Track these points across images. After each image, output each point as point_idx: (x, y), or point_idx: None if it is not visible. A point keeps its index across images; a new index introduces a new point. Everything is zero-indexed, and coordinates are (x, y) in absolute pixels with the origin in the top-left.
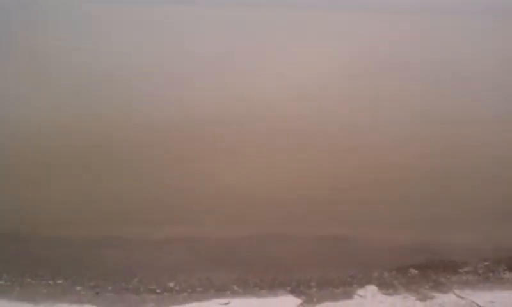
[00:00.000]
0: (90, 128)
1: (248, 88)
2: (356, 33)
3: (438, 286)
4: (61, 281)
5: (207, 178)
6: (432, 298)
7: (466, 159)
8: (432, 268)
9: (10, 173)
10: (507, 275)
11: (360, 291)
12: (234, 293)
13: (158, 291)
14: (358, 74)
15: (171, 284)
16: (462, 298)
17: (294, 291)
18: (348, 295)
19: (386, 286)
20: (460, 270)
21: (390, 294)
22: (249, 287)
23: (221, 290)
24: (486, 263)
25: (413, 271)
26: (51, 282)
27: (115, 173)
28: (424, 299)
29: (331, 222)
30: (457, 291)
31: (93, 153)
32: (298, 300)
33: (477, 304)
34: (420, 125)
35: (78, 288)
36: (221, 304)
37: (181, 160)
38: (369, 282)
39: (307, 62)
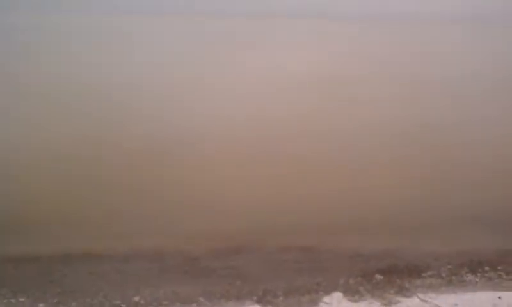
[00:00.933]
0: (58, 142)
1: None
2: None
3: (403, 291)
4: (23, 299)
5: (171, 190)
6: (397, 303)
7: (427, 166)
8: (397, 273)
9: None
10: (470, 277)
11: (326, 299)
12: (200, 305)
13: (123, 306)
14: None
15: (137, 299)
16: (426, 301)
17: (261, 301)
18: (314, 303)
19: (351, 293)
20: (424, 274)
21: (355, 300)
22: (215, 298)
23: (187, 303)
24: (448, 267)
25: (378, 277)
26: (13, 300)
27: (79, 187)
28: (388, 304)
29: (296, 231)
30: (421, 295)
31: (58, 167)
32: None
33: None
34: (384, 133)
35: (41, 305)
36: None
37: (145, 174)
38: (335, 289)
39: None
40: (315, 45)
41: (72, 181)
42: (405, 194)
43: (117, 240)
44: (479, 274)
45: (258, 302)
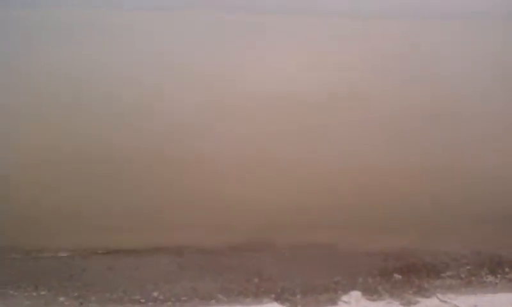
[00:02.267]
0: (76, 140)
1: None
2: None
3: (422, 291)
4: (44, 292)
5: (190, 186)
6: (416, 303)
7: (448, 161)
8: (416, 273)
9: None
10: (490, 278)
11: (345, 298)
12: (219, 302)
13: (142, 301)
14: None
15: (155, 294)
16: (445, 302)
17: (279, 299)
18: (333, 302)
19: (370, 292)
20: (443, 275)
21: (374, 300)
22: (233, 295)
23: (205, 299)
24: (468, 267)
25: (397, 276)
26: (34, 293)
27: (99, 182)
28: (407, 304)
29: (315, 228)
30: (440, 296)
31: (79, 164)
32: None
33: None
34: (401, 127)
35: (61, 298)
36: None
37: (164, 169)
38: (353, 288)
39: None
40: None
41: (89, 176)
42: (424, 192)
43: (136, 234)
44: (499, 275)
45: (276, 299)
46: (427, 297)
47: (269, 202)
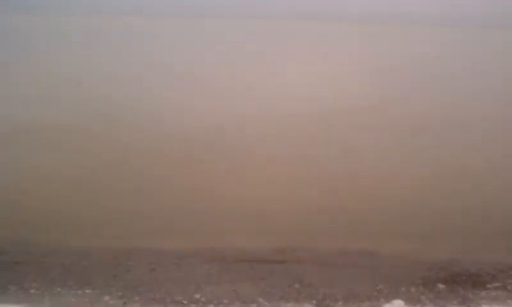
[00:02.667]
0: (108, 143)
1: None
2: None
3: (466, 302)
4: (89, 291)
5: (232, 191)
6: None
7: (491, 172)
8: (460, 283)
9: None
10: None
11: (387, 306)
12: (260, 306)
13: (184, 302)
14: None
15: (197, 296)
16: None
17: (320, 305)
18: None
19: (413, 302)
20: (489, 286)
21: None
22: (274, 300)
23: (246, 302)
24: None
25: (441, 286)
26: (80, 292)
27: (143, 185)
28: None
29: (357, 235)
30: None
31: (119, 166)
32: None
33: None
34: (433, 132)
35: (106, 298)
36: None
37: (209, 173)
38: (396, 297)
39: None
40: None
41: (134, 180)
42: (469, 201)
43: (179, 236)
44: None
45: (317, 305)
46: None
47: (311, 207)
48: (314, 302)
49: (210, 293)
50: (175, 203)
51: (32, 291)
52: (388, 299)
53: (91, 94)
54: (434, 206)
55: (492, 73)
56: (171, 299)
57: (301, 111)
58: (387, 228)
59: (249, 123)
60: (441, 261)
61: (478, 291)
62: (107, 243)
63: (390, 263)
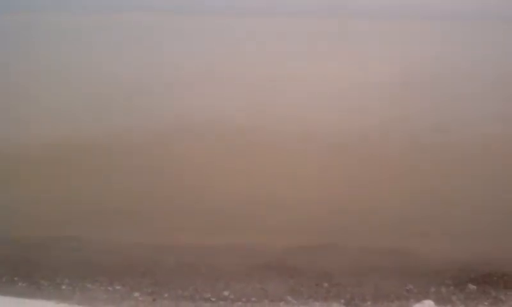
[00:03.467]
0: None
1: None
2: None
3: (498, 303)
4: (119, 287)
5: (260, 189)
6: None
7: None
8: (492, 284)
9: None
10: None
11: (417, 306)
12: (288, 304)
13: (213, 299)
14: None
15: (226, 293)
16: None
17: (349, 304)
18: None
19: (443, 302)
20: None
21: None
22: (303, 298)
23: (275, 301)
24: None
25: (472, 287)
26: (110, 288)
27: (174, 182)
28: None
29: (387, 234)
30: None
31: (151, 165)
32: None
33: None
34: (466, 131)
35: (136, 294)
36: None
37: (237, 171)
38: (426, 297)
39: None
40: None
41: (163, 177)
42: (500, 201)
43: (208, 234)
44: None
45: (346, 304)
46: None
47: (340, 205)
48: (342, 301)
49: (238, 291)
50: (204, 202)
51: (63, 287)
52: (418, 299)
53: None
54: (465, 205)
55: None
56: (200, 296)
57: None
58: (416, 228)
59: (275, 122)
60: (471, 261)
61: (510, 293)
62: (137, 240)
63: (419, 263)
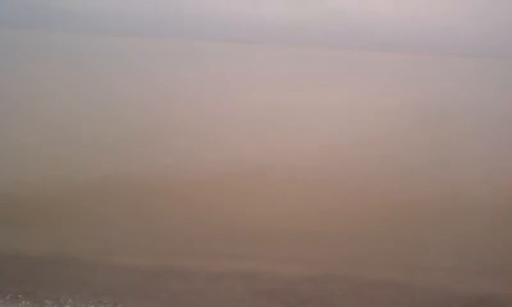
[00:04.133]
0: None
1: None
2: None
3: None
4: None
5: (266, 216)
6: None
7: None
8: None
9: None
10: None
11: None
12: None
13: None
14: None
15: None
16: None
17: None
18: None
19: None
20: None
21: None
22: None
23: None
24: None
25: None
26: None
27: (177, 206)
28: None
29: (391, 266)
30: None
31: (153, 185)
32: None
33: None
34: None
35: None
36: None
37: (241, 198)
38: None
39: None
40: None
41: (168, 202)
42: (509, 237)
43: (211, 258)
44: None
45: None
46: None
47: (347, 235)
48: None
49: None
50: (206, 225)
51: (66, 306)
52: None
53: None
54: (470, 240)
55: None
56: None
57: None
58: (421, 260)
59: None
60: (477, 296)
61: None
62: (142, 262)
63: (424, 297)
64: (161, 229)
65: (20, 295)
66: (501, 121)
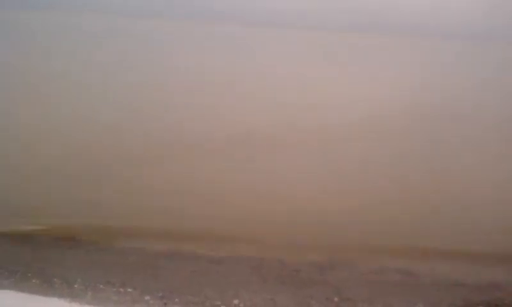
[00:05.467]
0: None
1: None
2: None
3: None
4: (131, 290)
5: (275, 199)
6: None
7: None
8: None
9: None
10: None
11: None
12: None
13: None
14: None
15: (236, 302)
16: None
17: None
18: None
19: None
20: None
21: None
22: None
23: None
24: None
25: None
26: (122, 289)
27: (186, 190)
28: None
29: (397, 252)
30: None
31: (160, 171)
32: None
33: None
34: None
35: (147, 297)
36: None
37: (252, 180)
38: None
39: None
40: None
41: (177, 183)
42: None
43: (220, 242)
44: None
45: None
46: None
47: (352, 222)
48: None
49: (248, 300)
50: (216, 210)
51: (75, 285)
52: None
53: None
54: (480, 227)
55: None
56: (210, 303)
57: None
58: (426, 248)
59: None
60: (482, 284)
61: None
62: (152, 244)
63: (428, 283)
64: (170, 212)
65: (29, 274)
66: None
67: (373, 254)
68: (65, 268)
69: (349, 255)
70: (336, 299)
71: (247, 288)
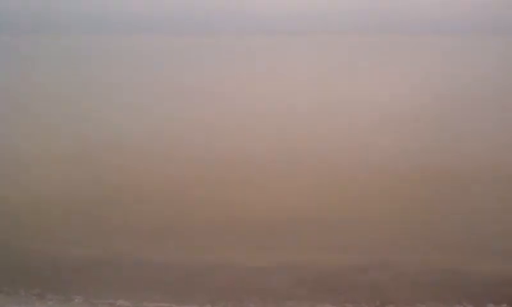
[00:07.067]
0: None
1: None
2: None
3: None
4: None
5: (311, 207)
6: None
7: None
8: None
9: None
10: None
11: None
12: None
13: None
14: None
15: None
16: None
17: None
18: None
19: None
20: None
21: None
22: None
23: None
24: None
25: None
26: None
27: (228, 199)
28: None
29: (438, 250)
30: None
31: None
32: None
33: None
34: None
35: None
36: None
37: (288, 190)
38: None
39: None
40: None
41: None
42: None
43: (259, 251)
44: None
45: None
46: None
47: (395, 222)
48: None
49: None
50: (254, 220)
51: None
52: None
53: None
54: None
55: None
56: None
57: None
58: (472, 245)
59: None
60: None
61: None
62: (193, 255)
63: (474, 282)
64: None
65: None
66: None
67: (416, 255)
68: (85, 285)
69: (390, 256)
70: (378, 303)
71: (287, 296)
